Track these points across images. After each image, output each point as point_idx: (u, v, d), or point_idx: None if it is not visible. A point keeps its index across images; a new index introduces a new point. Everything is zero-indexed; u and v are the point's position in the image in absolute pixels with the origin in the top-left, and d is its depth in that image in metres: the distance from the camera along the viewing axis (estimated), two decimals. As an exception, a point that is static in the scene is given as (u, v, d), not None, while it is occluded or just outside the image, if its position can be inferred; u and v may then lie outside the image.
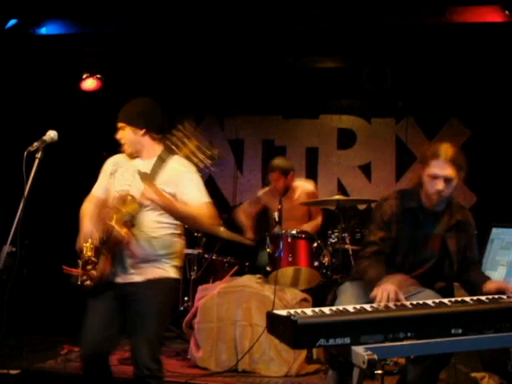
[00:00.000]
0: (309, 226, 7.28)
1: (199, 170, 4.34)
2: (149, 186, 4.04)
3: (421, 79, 8.31)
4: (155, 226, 4.25)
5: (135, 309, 4.22)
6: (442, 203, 4.31)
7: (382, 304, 3.58)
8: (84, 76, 8.27)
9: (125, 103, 4.34)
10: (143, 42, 7.76)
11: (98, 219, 4.21)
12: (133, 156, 4.37)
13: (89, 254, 4.15)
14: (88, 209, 4.38)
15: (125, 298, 4.23)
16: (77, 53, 7.92)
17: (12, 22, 7.23)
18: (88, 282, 4.15)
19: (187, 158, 4.21)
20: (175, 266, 4.38)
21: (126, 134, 4.34)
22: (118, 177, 4.35)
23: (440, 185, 4.15)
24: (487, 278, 4.25)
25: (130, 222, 4.13)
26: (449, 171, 4.14)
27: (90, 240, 4.15)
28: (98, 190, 4.48)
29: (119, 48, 7.98)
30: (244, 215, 7.77)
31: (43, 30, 7.47)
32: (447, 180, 4.16)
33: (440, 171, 4.15)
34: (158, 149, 4.36)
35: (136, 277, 4.22)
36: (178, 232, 4.42)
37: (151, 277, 4.24)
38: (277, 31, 7.41)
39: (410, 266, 4.32)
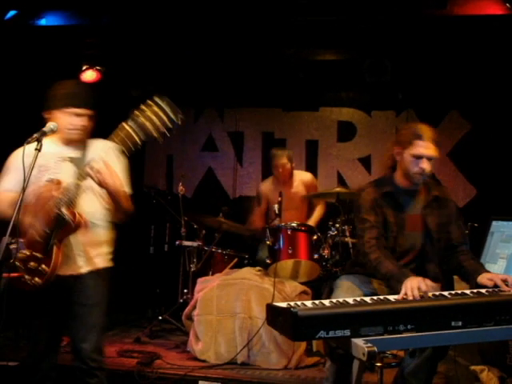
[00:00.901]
0: (313, 222, 7.32)
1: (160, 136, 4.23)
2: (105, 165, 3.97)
3: (421, 72, 8.29)
4: (95, 212, 4.22)
5: (79, 300, 4.17)
6: (421, 181, 4.36)
7: (416, 297, 3.58)
8: (84, 67, 8.25)
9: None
10: (143, 33, 7.74)
11: (37, 210, 3.98)
12: (66, 143, 4.25)
13: (26, 252, 3.97)
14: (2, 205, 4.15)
15: (67, 289, 4.15)
16: (76, 44, 7.90)
17: (12, 13, 7.22)
18: (37, 279, 3.95)
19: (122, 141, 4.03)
20: (111, 253, 4.36)
21: (86, 120, 4.26)
22: (41, 167, 4.07)
23: (425, 164, 4.22)
24: (481, 268, 4.22)
25: (71, 206, 3.95)
26: (433, 150, 4.23)
27: (15, 238, 3.75)
28: (6, 185, 4.22)
29: (119, 40, 7.96)
30: (259, 222, 7.74)
31: (43, 22, 7.45)
32: (430, 159, 4.22)
33: (425, 151, 4.24)
34: None
35: (81, 268, 4.17)
36: (110, 219, 4.34)
37: (94, 267, 4.21)
38: (277, 23, 7.40)
39: (400, 250, 4.33)
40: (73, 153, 4.22)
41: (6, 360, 5.64)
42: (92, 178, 3.94)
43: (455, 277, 4.64)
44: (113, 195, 4.10)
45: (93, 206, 4.19)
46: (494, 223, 5.70)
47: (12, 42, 7.34)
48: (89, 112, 4.25)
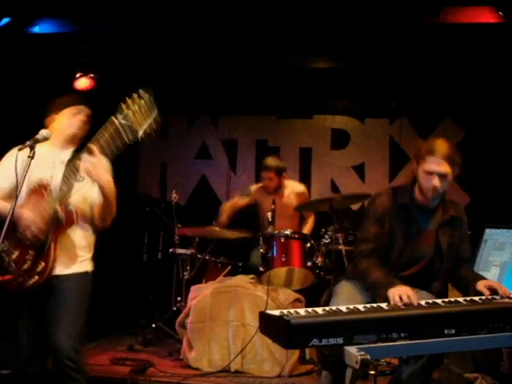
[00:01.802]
0: (307, 230, 7.34)
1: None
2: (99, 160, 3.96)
3: (415, 80, 8.31)
4: (82, 214, 4.24)
5: (59, 301, 4.15)
6: (436, 199, 4.33)
7: (400, 304, 3.58)
8: (77, 75, 8.25)
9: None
10: (137, 41, 7.74)
11: (35, 209, 4.01)
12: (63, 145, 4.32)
13: (15, 253, 4.01)
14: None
15: (49, 290, 4.13)
16: (70, 52, 7.90)
17: (5, 20, 7.21)
18: (36, 278, 4.00)
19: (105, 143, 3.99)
20: (91, 260, 4.36)
21: (86, 117, 4.44)
22: (33, 168, 3.94)
23: (436, 181, 4.17)
24: (479, 277, 4.25)
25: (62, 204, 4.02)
26: (444, 167, 4.16)
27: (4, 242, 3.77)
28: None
29: (113, 47, 7.96)
30: (230, 205, 7.77)
31: (36, 29, 7.45)
32: (442, 176, 4.18)
33: (436, 167, 4.16)
34: None
35: (62, 269, 4.16)
36: (97, 224, 4.34)
37: (77, 270, 4.22)
38: (271, 31, 7.41)
39: (404, 262, 4.33)
40: (66, 156, 4.25)
41: (-2, 368, 5.62)
42: (85, 171, 3.97)
43: (449, 285, 4.64)
44: (105, 191, 4.10)
45: (80, 209, 4.21)
46: (488, 231, 5.71)
47: (5, 49, 7.33)
48: (87, 109, 4.42)
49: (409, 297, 3.66)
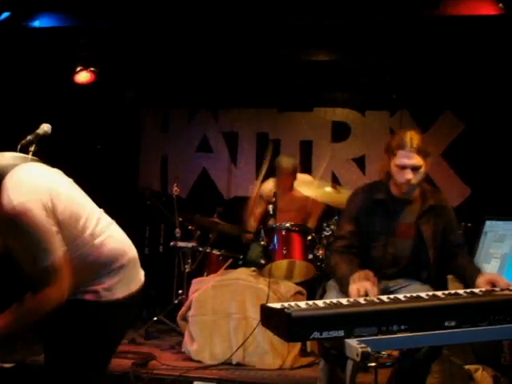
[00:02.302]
0: (312, 224, 7.36)
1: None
2: None
3: (415, 72, 8.31)
4: None
5: None
6: (412, 191, 4.33)
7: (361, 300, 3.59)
8: (77, 69, 8.24)
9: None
10: (137, 35, 7.74)
11: None
12: None
13: None
14: None
15: None
16: (70, 46, 7.89)
17: (5, 14, 7.21)
18: None
19: None
20: None
21: None
22: None
23: (409, 174, 4.18)
24: (477, 270, 4.24)
25: None
26: (416, 160, 4.18)
27: None
28: None
29: (113, 41, 7.96)
30: (253, 219, 7.76)
31: (36, 23, 7.44)
32: (415, 168, 4.19)
33: (407, 161, 4.18)
34: None
35: None
36: None
37: None
38: (272, 24, 7.40)
39: (393, 258, 4.34)
40: None
41: (0, 362, 5.63)
42: None
43: (449, 276, 4.64)
44: None
45: None
46: (488, 223, 5.71)
47: (5, 43, 7.33)
48: None
49: (366, 291, 3.66)
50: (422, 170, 4.23)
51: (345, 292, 3.90)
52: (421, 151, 4.18)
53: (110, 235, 3.45)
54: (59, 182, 3.36)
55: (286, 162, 7.50)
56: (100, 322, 3.32)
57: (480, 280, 4.03)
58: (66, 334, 3.28)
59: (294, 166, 7.52)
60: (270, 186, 7.69)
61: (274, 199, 6.69)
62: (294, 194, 7.43)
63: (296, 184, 7.43)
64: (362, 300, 3.46)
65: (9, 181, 3.04)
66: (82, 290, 3.26)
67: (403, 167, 4.19)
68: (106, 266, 3.35)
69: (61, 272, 3.05)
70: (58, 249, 3.05)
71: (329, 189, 6.80)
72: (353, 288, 3.73)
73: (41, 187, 3.13)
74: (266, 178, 7.80)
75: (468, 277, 4.17)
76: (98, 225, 3.39)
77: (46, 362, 3.38)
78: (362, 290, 3.67)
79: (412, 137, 4.22)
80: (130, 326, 4.00)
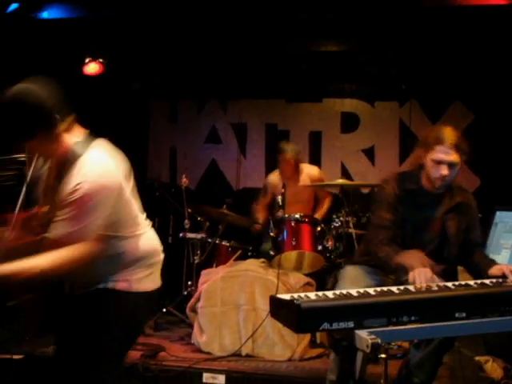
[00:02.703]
0: (319, 215, 7.34)
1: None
2: None
3: (424, 62, 8.27)
4: None
5: None
6: (443, 187, 4.31)
7: (424, 285, 3.57)
8: (86, 60, 8.24)
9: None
10: (145, 26, 7.72)
11: None
12: None
13: None
14: None
15: None
16: (79, 37, 7.88)
17: (13, 5, 7.20)
18: None
19: None
20: None
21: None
22: None
23: (445, 170, 4.15)
24: (492, 262, 4.24)
25: None
26: (453, 156, 4.15)
27: None
28: None
29: (121, 32, 7.94)
30: (261, 214, 7.77)
31: (45, 14, 7.43)
32: (451, 165, 4.16)
33: (445, 156, 4.14)
34: None
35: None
36: None
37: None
38: (280, 15, 7.38)
39: (412, 249, 4.32)
40: None
41: (10, 353, 5.65)
42: None
43: (459, 268, 4.63)
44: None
45: None
46: (498, 213, 5.70)
47: (14, 35, 7.33)
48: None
49: (426, 280, 3.65)
50: (457, 166, 4.22)
51: (399, 279, 3.92)
52: (459, 148, 4.16)
53: (150, 233, 3.76)
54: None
55: (288, 148, 7.49)
56: (129, 310, 3.50)
57: (492, 270, 4.03)
58: (98, 319, 3.42)
59: (297, 153, 7.51)
60: (275, 177, 7.70)
61: (283, 190, 6.67)
62: (299, 186, 7.42)
63: (302, 175, 7.45)
64: (371, 291, 3.45)
65: (90, 157, 3.27)
66: (114, 279, 3.44)
67: (440, 162, 4.17)
68: (141, 259, 3.61)
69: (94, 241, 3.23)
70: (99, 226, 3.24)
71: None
72: (411, 276, 3.75)
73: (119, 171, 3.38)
74: (272, 170, 7.82)
75: (481, 269, 4.16)
76: (142, 220, 3.68)
77: (72, 345, 3.45)
78: (422, 277, 3.68)
79: (451, 133, 4.21)
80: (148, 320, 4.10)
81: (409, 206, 4.34)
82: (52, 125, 3.23)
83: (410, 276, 3.75)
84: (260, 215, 7.75)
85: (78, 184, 3.12)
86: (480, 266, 4.24)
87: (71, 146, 3.30)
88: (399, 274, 4.01)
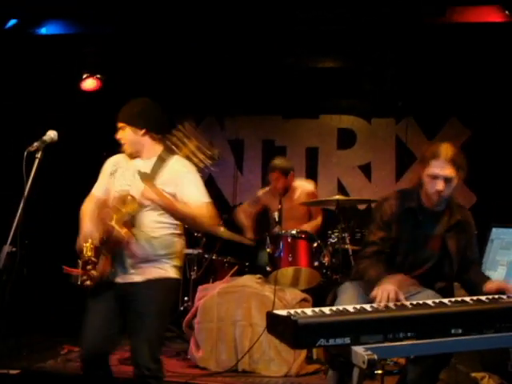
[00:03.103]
0: (309, 226, 7.28)
1: (199, 170, 4.33)
2: (149, 187, 4.03)
3: (421, 79, 8.31)
4: (155, 225, 4.25)
5: (135, 309, 4.21)
6: (441, 203, 4.32)
7: (382, 304, 3.58)
8: (84, 76, 8.26)
9: (125, 103, 4.34)
10: (143, 42, 7.76)
11: (98, 219, 4.21)
12: (133, 156, 4.35)
13: (89, 254, 4.14)
14: (88, 209, 4.37)
15: (125, 298, 4.23)
16: (77, 53, 7.90)
17: (12, 21, 7.24)
18: (88, 282, 4.15)
19: (187, 158, 4.21)
20: (175, 266, 4.37)
21: (126, 134, 4.33)
22: (118, 177, 4.34)
23: (440, 185, 4.15)
24: (487, 278, 4.25)
25: (131, 222, 4.12)
26: (449, 171, 4.15)
27: (89, 240, 4.15)
28: (98, 190, 4.46)
29: (119, 48, 7.98)
30: (244, 215, 7.78)
31: (43, 30, 7.47)
32: (447, 180, 4.16)
33: (440, 171, 4.15)
34: (158, 149, 4.34)
35: (136, 277, 4.21)
36: (178, 232, 4.41)
37: (151, 277, 4.22)
38: (277, 31, 7.42)
39: (409, 265, 4.32)
40: (145, 167, 4.28)
41: (7, 368, 5.63)
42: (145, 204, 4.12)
43: (455, 284, 4.64)
44: (174, 216, 4.24)
45: (150, 220, 4.25)
46: (494, 230, 5.71)
47: (12, 50, 7.36)
48: (122, 125, 4.36)
49: (388, 298, 3.66)
50: (454, 182, 4.22)
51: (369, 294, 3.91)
52: (454, 163, 4.16)
53: None
54: None
55: (279, 161, 7.46)
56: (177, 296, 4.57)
57: (488, 285, 4.03)
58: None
59: (287, 167, 7.43)
60: (267, 192, 7.65)
61: (279, 206, 6.68)
62: (293, 203, 7.39)
63: (297, 193, 7.43)
64: (368, 307, 3.46)
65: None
66: (172, 257, 4.38)
67: (435, 177, 4.17)
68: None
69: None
70: None
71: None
72: (374, 292, 3.76)
73: None
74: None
75: (477, 285, 4.17)
76: None
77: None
78: (385, 294, 3.68)
79: (447, 148, 4.22)
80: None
81: (409, 224, 4.34)
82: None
83: (374, 292, 3.76)
84: (243, 216, 7.75)
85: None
86: (475, 281, 4.25)
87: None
88: (369, 289, 4.01)
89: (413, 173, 4.58)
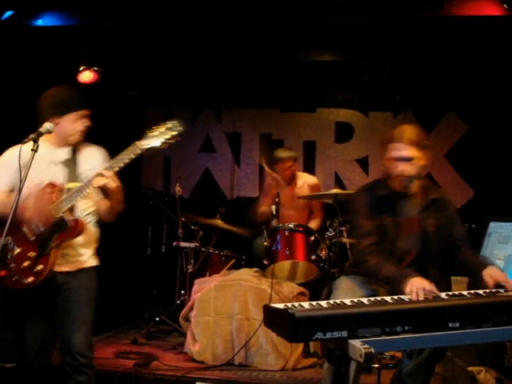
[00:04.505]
0: (315, 226, 7.32)
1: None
2: (106, 170, 4.08)
3: (419, 73, 8.29)
4: (86, 213, 4.32)
5: (69, 297, 4.24)
6: (410, 183, 4.31)
7: (421, 298, 3.57)
8: (81, 68, 8.22)
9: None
10: (140, 34, 7.73)
11: (35, 211, 4.08)
12: (59, 145, 4.32)
13: (16, 250, 4.07)
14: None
15: (57, 286, 4.23)
16: (73, 45, 7.87)
17: (8, 13, 7.20)
18: (30, 279, 4.05)
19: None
20: (95, 254, 4.45)
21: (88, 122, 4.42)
22: (35, 169, 3.95)
23: (402, 166, 4.19)
24: (482, 261, 4.23)
25: (71, 211, 4.14)
26: (407, 151, 4.19)
27: (8, 237, 3.95)
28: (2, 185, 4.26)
29: (116, 40, 7.94)
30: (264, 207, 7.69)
31: (40, 22, 7.43)
32: (408, 160, 4.18)
33: (399, 152, 4.20)
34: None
35: (69, 265, 4.26)
36: (97, 220, 4.45)
37: (83, 266, 4.31)
38: (275, 24, 7.39)
39: (401, 253, 4.32)
40: (65, 155, 4.30)
41: (2, 361, 5.62)
42: (100, 186, 4.11)
43: (453, 278, 4.63)
44: (114, 197, 4.23)
45: (85, 206, 4.30)
46: (492, 224, 5.71)
47: (8, 42, 7.32)
48: (88, 113, 4.37)
49: (426, 292, 3.66)
50: (417, 161, 4.22)
51: (395, 290, 3.91)
52: (413, 143, 4.18)
53: None
54: None
55: (287, 151, 7.51)
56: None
57: (486, 272, 4.01)
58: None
59: (293, 157, 7.50)
60: (274, 175, 7.64)
61: (277, 199, 6.67)
62: (296, 192, 7.41)
63: (300, 182, 7.44)
64: (365, 300, 3.45)
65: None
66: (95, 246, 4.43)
67: (396, 159, 4.20)
68: None
69: None
70: None
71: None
72: (411, 289, 3.73)
73: None
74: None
75: (475, 270, 4.16)
76: None
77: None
78: (424, 286, 3.69)
79: (404, 129, 4.26)
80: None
81: (385, 212, 4.34)
82: None
83: (407, 288, 3.75)
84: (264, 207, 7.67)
85: None
86: (472, 265, 4.23)
87: None
88: (392, 286, 4.00)
89: (381, 162, 4.57)
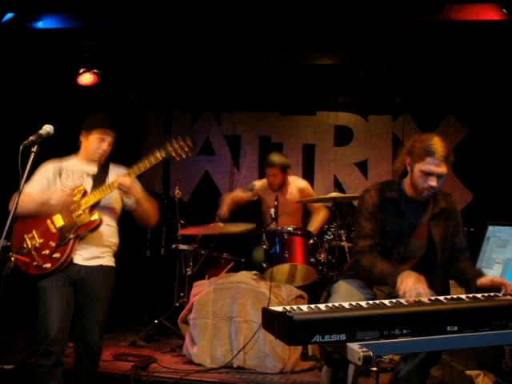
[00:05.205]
0: (317, 222, 7.32)
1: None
2: (128, 176, 4.76)
3: (418, 76, 8.30)
4: (112, 217, 4.86)
5: (89, 292, 4.64)
6: (431, 195, 4.33)
7: (412, 299, 3.58)
8: (81, 70, 8.23)
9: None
10: (140, 37, 7.73)
11: (61, 208, 4.62)
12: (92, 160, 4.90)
13: (39, 241, 4.56)
14: (32, 199, 4.64)
15: (80, 280, 4.63)
16: (74, 47, 7.88)
17: (9, 15, 7.20)
18: (48, 265, 4.52)
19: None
20: (114, 256, 4.90)
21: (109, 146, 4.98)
22: (65, 177, 4.80)
23: (433, 181, 4.18)
24: (479, 271, 4.25)
25: (91, 209, 4.65)
26: (443, 168, 4.17)
27: (33, 231, 4.61)
28: (32, 189, 4.70)
29: (116, 43, 7.95)
30: (231, 197, 7.74)
31: (40, 24, 7.42)
32: (440, 176, 4.17)
33: (436, 169, 4.15)
34: None
35: (92, 261, 4.67)
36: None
37: (104, 263, 4.74)
38: (274, 27, 7.39)
39: (401, 257, 4.32)
40: (94, 169, 4.85)
41: (1, 363, 5.63)
42: (120, 188, 4.72)
43: (451, 281, 4.63)
44: (142, 204, 4.92)
45: (110, 212, 4.83)
46: (490, 228, 5.70)
47: (9, 44, 7.32)
48: (113, 134, 4.91)
49: (418, 293, 3.68)
50: (445, 176, 4.23)
51: (390, 284, 3.99)
52: (448, 160, 4.17)
53: None
54: None
55: (275, 157, 7.47)
56: None
57: (482, 280, 4.04)
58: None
59: (283, 163, 7.45)
60: (262, 184, 7.65)
61: (276, 202, 6.67)
62: (287, 198, 7.39)
63: (290, 187, 7.44)
64: (364, 304, 3.45)
65: None
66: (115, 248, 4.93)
67: (429, 174, 4.18)
68: None
69: None
70: None
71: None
72: (402, 288, 3.81)
73: None
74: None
75: (469, 279, 4.18)
76: None
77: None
78: (417, 287, 3.75)
79: (441, 144, 4.20)
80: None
81: (392, 215, 4.35)
82: None
83: (400, 289, 3.77)
84: (230, 196, 7.84)
85: None
86: (467, 274, 4.25)
87: None
88: (386, 280, 4.02)
89: (397, 163, 4.52)
